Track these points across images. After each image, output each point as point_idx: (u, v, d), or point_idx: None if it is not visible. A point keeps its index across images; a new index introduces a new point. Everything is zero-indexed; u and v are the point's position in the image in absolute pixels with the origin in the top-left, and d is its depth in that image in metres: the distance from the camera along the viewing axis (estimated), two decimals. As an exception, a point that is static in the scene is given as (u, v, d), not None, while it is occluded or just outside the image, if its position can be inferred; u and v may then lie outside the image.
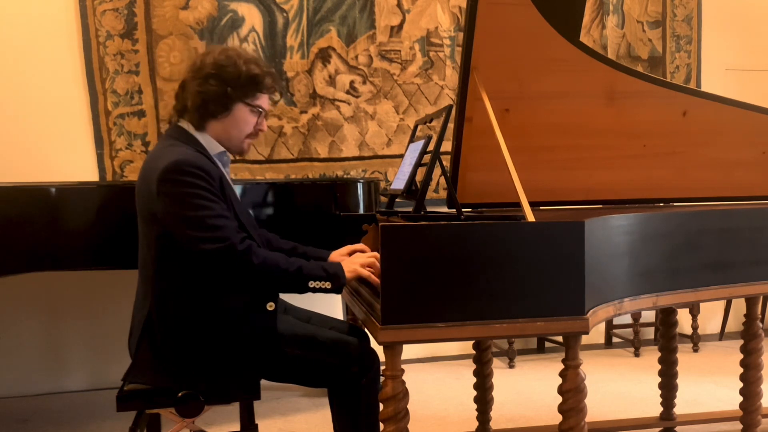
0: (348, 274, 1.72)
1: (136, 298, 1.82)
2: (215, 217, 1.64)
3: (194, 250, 1.63)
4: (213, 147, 1.81)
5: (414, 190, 2.00)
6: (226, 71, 1.75)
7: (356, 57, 3.80)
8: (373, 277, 1.73)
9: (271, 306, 1.75)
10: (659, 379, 2.71)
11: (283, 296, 1.83)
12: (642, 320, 4.06)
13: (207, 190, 1.66)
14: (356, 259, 1.79)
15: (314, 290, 1.69)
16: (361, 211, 2.95)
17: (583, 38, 3.96)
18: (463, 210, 2.04)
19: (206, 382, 1.72)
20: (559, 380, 1.67)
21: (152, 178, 1.67)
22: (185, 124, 1.82)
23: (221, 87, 1.75)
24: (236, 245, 1.63)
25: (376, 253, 1.87)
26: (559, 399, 1.67)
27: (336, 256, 1.95)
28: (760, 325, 2.37)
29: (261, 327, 1.75)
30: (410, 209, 1.99)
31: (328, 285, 1.69)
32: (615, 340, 4.27)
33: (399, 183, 2.15)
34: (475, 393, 2.56)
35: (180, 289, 1.71)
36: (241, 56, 1.78)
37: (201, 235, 1.62)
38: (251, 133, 1.85)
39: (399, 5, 3.83)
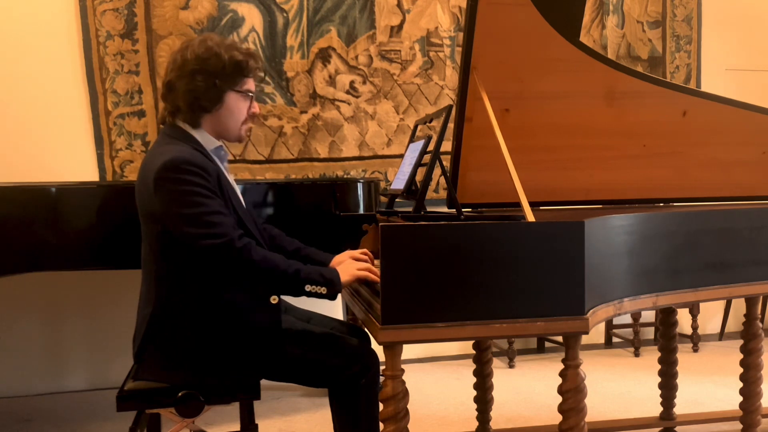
0: (344, 278, 1.73)
1: (140, 296, 1.82)
2: (212, 213, 1.64)
3: (193, 247, 1.64)
4: (209, 143, 1.82)
5: (414, 190, 2.00)
6: (210, 64, 1.75)
7: (356, 57, 3.80)
8: (371, 275, 1.75)
9: (274, 299, 1.75)
10: (659, 379, 2.71)
11: (283, 297, 1.83)
12: (642, 320, 4.06)
13: (203, 186, 1.66)
14: (352, 264, 1.80)
15: (309, 294, 1.69)
16: (361, 211, 2.95)
17: (583, 38, 3.96)
18: (463, 210, 2.04)
19: (210, 377, 1.72)
20: (559, 380, 1.67)
21: (149, 177, 1.67)
22: (180, 123, 1.81)
23: (209, 80, 1.75)
24: (234, 241, 1.63)
25: (370, 256, 1.89)
26: (559, 399, 1.67)
27: (337, 261, 1.94)
28: (760, 325, 2.37)
29: (265, 320, 1.75)
30: (410, 209, 1.99)
31: (323, 290, 1.69)
32: (615, 340, 4.27)
33: (399, 183, 2.15)
34: (475, 393, 2.56)
35: (183, 285, 1.72)
36: (220, 45, 1.77)
37: (198, 231, 1.62)
38: (246, 119, 1.86)
39: (399, 5, 3.83)
